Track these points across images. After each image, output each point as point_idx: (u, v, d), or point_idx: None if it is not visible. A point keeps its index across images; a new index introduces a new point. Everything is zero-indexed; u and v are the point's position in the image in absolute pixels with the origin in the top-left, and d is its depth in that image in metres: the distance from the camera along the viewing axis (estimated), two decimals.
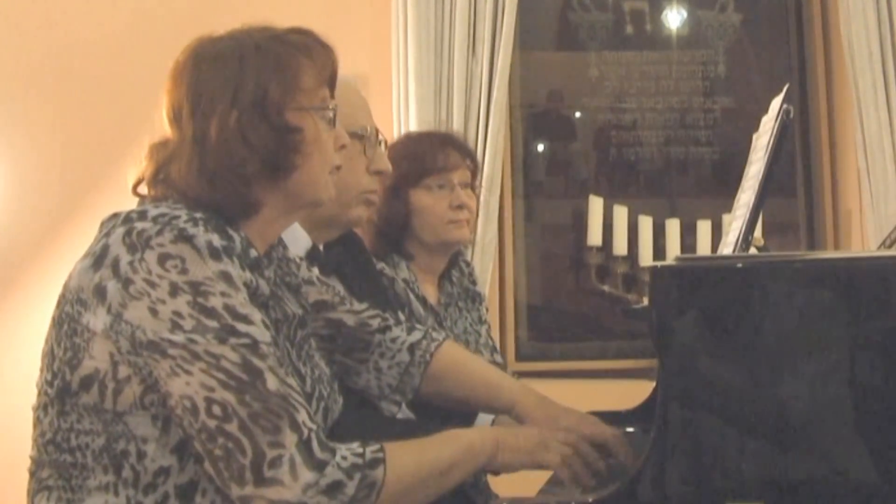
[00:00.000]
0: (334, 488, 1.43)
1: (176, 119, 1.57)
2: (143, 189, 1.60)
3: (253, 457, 1.41)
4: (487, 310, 2.85)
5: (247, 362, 1.44)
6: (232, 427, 1.42)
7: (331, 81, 1.66)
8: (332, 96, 1.66)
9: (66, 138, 3.68)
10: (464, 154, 2.68)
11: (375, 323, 1.87)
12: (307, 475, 1.42)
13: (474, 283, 2.80)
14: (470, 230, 2.70)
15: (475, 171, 2.72)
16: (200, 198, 1.53)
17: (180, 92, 1.58)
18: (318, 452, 1.44)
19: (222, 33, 1.63)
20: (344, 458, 1.45)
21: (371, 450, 1.48)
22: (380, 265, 2.58)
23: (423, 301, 2.59)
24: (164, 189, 1.56)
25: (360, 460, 1.46)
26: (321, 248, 2.18)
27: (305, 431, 1.44)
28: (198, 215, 1.50)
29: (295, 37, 1.62)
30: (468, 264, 2.82)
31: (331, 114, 1.63)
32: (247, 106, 1.54)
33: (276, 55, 1.58)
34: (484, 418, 2.29)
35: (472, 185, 2.69)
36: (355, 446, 1.47)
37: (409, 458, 1.52)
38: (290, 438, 1.42)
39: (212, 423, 1.42)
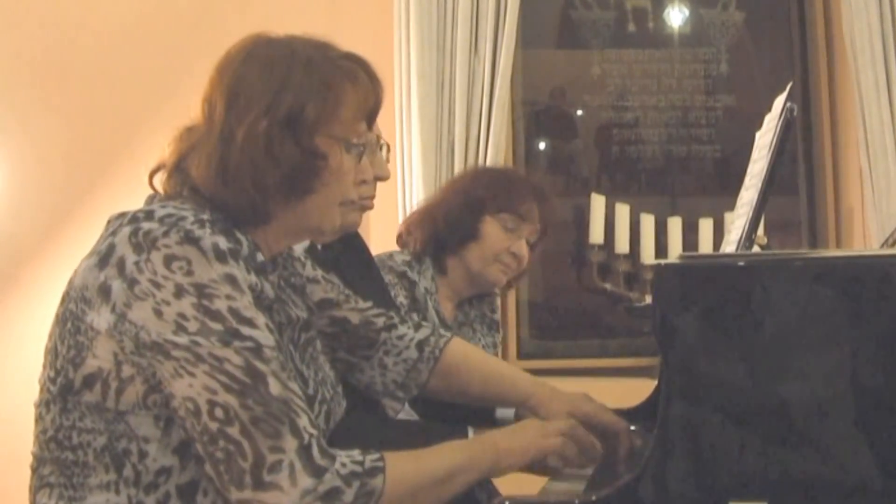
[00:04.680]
0: (332, 495, 1.42)
1: (209, 111, 1.56)
2: (159, 178, 1.59)
3: (253, 461, 1.41)
4: (500, 343, 2.91)
5: (250, 366, 1.43)
6: (233, 430, 1.41)
7: (370, 114, 1.64)
8: (371, 129, 1.66)
9: (68, 135, 3.68)
10: (544, 215, 2.73)
11: (380, 321, 1.87)
12: (306, 481, 1.41)
13: (494, 311, 2.83)
14: (508, 281, 2.75)
15: (543, 236, 2.77)
16: (212, 195, 1.52)
17: (220, 85, 1.56)
18: (318, 458, 1.43)
19: (281, 36, 1.61)
20: (343, 465, 1.44)
21: (371, 458, 1.47)
22: (403, 268, 2.60)
23: (438, 314, 2.61)
24: (178, 181, 1.56)
25: (359, 468, 1.45)
26: (319, 246, 2.18)
27: (306, 437, 1.43)
28: (205, 217, 1.49)
29: (346, 63, 1.61)
30: (490, 294, 2.85)
31: (361, 149, 1.62)
32: (279, 118, 1.52)
33: (324, 76, 1.56)
34: (504, 413, 2.30)
35: (534, 246, 2.74)
36: (356, 454, 1.47)
37: (408, 468, 1.50)
38: (290, 443, 1.42)
39: (213, 426, 1.42)
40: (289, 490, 1.40)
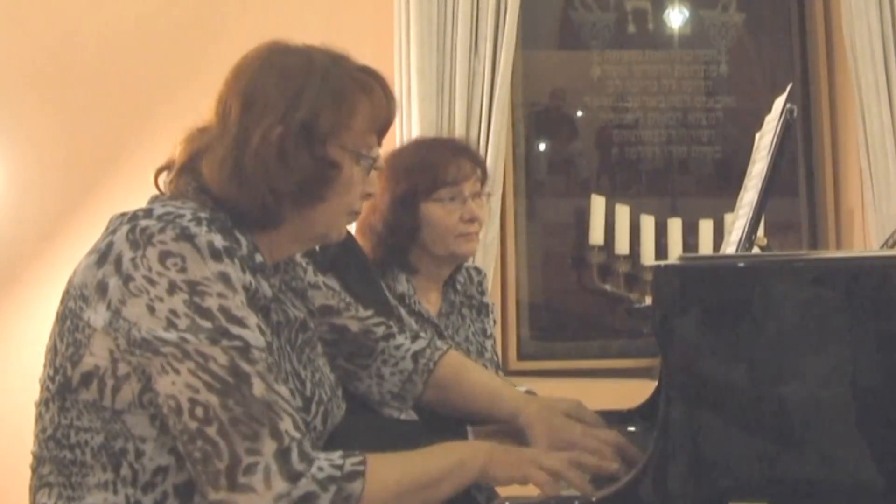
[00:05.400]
0: (307, 499, 1.42)
1: (224, 114, 1.57)
2: (164, 178, 1.60)
3: (229, 462, 1.41)
4: (495, 322, 2.80)
5: (235, 366, 1.43)
6: (211, 430, 1.42)
7: (382, 129, 1.65)
8: (380, 144, 1.66)
9: (68, 136, 3.68)
10: (475, 163, 2.62)
11: (380, 330, 1.88)
12: (280, 485, 1.41)
13: (483, 293, 2.75)
14: (478, 241, 2.65)
15: (485, 179, 2.65)
16: (223, 197, 1.53)
17: (236, 89, 1.57)
18: (296, 463, 1.42)
19: (299, 45, 1.63)
20: (321, 468, 1.44)
21: (351, 462, 1.46)
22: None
23: (420, 315, 2.56)
24: (187, 181, 1.56)
25: (337, 472, 1.44)
26: (317, 247, 2.18)
27: (286, 440, 1.43)
28: (202, 215, 1.50)
29: (362, 75, 1.62)
30: (479, 272, 2.78)
31: (371, 162, 1.63)
32: (294, 126, 1.54)
33: (340, 87, 1.58)
34: None
35: (481, 194, 2.63)
36: (336, 457, 1.46)
37: (391, 472, 1.49)
38: (268, 446, 1.42)
39: (193, 425, 1.42)
40: (263, 493, 1.40)
